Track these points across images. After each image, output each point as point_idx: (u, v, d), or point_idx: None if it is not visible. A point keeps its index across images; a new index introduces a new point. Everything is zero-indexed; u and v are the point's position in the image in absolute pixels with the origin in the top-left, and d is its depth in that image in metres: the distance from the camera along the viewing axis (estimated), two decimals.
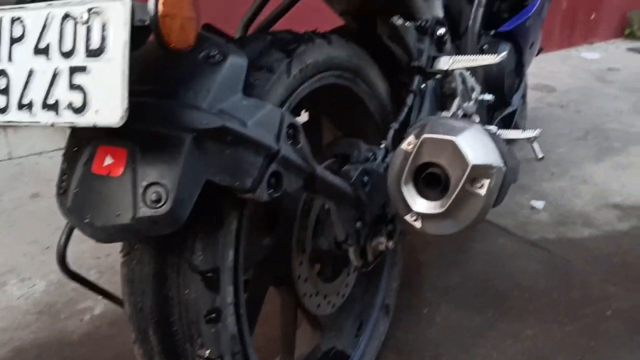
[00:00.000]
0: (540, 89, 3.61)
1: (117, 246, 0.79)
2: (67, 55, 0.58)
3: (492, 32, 1.65)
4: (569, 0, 4.73)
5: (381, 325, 1.29)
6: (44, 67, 0.59)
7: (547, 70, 4.06)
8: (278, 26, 1.18)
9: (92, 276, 1.61)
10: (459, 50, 1.48)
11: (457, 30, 1.45)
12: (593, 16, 5.06)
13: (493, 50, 1.59)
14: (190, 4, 0.59)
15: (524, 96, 1.90)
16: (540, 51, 2.56)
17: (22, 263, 1.68)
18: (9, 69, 0.61)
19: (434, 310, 1.47)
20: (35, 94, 0.59)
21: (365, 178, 0.96)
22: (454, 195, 0.81)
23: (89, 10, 0.56)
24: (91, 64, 0.56)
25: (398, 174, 0.86)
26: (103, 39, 0.56)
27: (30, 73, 0.60)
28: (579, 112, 3.13)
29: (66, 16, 0.58)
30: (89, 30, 0.56)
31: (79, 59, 0.57)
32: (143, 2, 0.56)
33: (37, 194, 2.10)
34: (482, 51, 1.59)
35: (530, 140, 1.35)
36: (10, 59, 0.61)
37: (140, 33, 0.56)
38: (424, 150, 0.83)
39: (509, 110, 1.68)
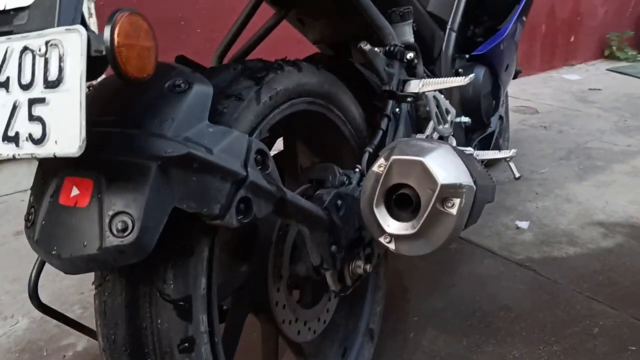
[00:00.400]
0: (522, 111, 3.65)
1: None
2: (26, 87, 0.58)
3: (467, 56, 1.68)
4: (548, 24, 4.82)
5: (366, 350, 1.28)
6: (4, 100, 0.59)
7: (529, 93, 4.12)
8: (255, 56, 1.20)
9: (75, 311, 1.59)
10: (434, 75, 1.51)
11: (430, 54, 1.47)
12: (572, 39, 5.16)
13: (467, 73, 1.62)
14: (147, 33, 0.60)
15: (501, 117, 1.92)
16: (518, 74, 2.61)
17: (4, 301, 1.65)
18: None
19: (420, 335, 1.46)
20: None
21: (339, 202, 0.96)
22: (425, 216, 0.82)
23: (47, 42, 0.57)
24: (49, 95, 0.57)
25: (370, 196, 0.86)
26: (60, 70, 0.56)
27: None
28: (562, 133, 3.17)
29: (25, 49, 0.58)
30: (46, 62, 0.57)
31: (37, 91, 0.57)
32: (100, 33, 0.57)
33: (21, 232, 2.08)
34: (457, 74, 1.61)
35: (506, 160, 1.36)
36: None
37: (98, 63, 0.57)
38: (393, 171, 0.84)
39: (487, 131, 1.70)
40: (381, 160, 0.88)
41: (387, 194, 0.85)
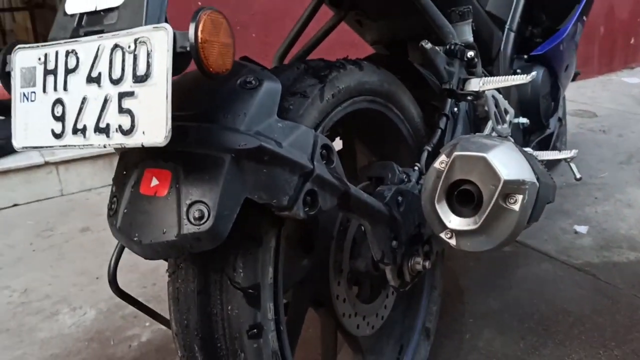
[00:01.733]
0: (580, 114, 3.56)
1: (162, 277, 0.83)
2: (116, 82, 0.63)
3: (525, 57, 1.66)
4: (606, 26, 4.69)
5: (422, 349, 1.29)
6: (95, 94, 0.64)
7: (587, 96, 4.02)
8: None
9: None
10: (492, 75, 1.50)
11: (488, 55, 1.47)
12: (632, 41, 4.99)
13: (526, 73, 1.60)
14: (226, 31, 0.63)
15: (560, 119, 1.89)
16: (577, 76, 2.55)
17: (73, 293, 1.74)
18: (65, 97, 0.66)
19: (476, 336, 1.46)
20: (88, 119, 0.64)
21: (399, 198, 0.97)
22: (487, 211, 0.82)
23: (136, 40, 0.61)
24: (138, 89, 0.61)
25: (431, 192, 0.88)
26: (148, 65, 0.60)
27: (84, 100, 0.65)
28: (621, 137, 3.08)
29: (115, 46, 0.63)
30: (135, 58, 0.61)
31: (127, 85, 0.62)
32: (185, 31, 0.61)
33: (87, 228, 2.18)
34: (515, 75, 1.60)
35: (567, 160, 1.34)
36: (65, 88, 0.67)
37: (182, 59, 0.61)
38: (456, 167, 0.85)
39: (546, 133, 1.68)
40: (443, 157, 0.89)
41: (448, 190, 0.87)
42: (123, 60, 0.62)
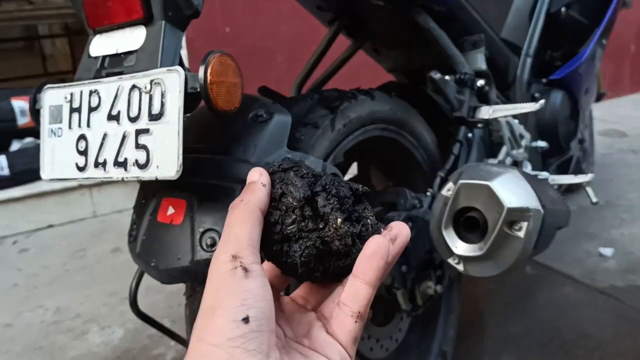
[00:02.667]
0: (610, 134, 3.52)
1: None
2: (134, 119, 0.68)
3: (544, 81, 1.68)
4: (637, 44, 4.63)
5: None
6: (115, 131, 0.69)
7: (617, 115, 3.97)
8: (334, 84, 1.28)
9: (165, 324, 1.71)
10: (509, 100, 1.52)
11: (505, 80, 1.49)
12: None
13: (544, 98, 1.62)
14: (234, 71, 0.68)
15: (581, 141, 1.89)
16: (602, 96, 2.55)
17: (102, 313, 1.80)
18: (88, 133, 0.72)
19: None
20: (108, 154, 0.70)
21: (410, 224, 1.00)
22: (492, 238, 0.85)
23: (151, 81, 0.67)
24: (153, 126, 0.66)
25: (439, 218, 0.91)
26: (162, 104, 0.65)
27: (104, 136, 0.70)
28: None
29: (133, 87, 0.68)
30: (151, 98, 0.67)
31: (143, 123, 0.67)
32: (195, 73, 0.66)
33: (118, 249, 2.26)
34: (533, 99, 1.62)
35: (583, 185, 1.35)
36: (88, 125, 0.72)
37: (193, 98, 0.66)
38: (461, 195, 0.88)
39: (566, 156, 1.68)
40: (449, 184, 0.92)
41: (455, 217, 0.89)
42: (140, 100, 0.68)
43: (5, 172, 2.28)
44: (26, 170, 2.35)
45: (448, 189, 0.91)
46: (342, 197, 0.45)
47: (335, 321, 0.45)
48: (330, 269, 0.45)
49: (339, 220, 0.43)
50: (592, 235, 2.12)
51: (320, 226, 0.43)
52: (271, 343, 0.39)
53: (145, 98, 0.67)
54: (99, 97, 0.71)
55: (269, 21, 2.96)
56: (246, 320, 0.37)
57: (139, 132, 0.67)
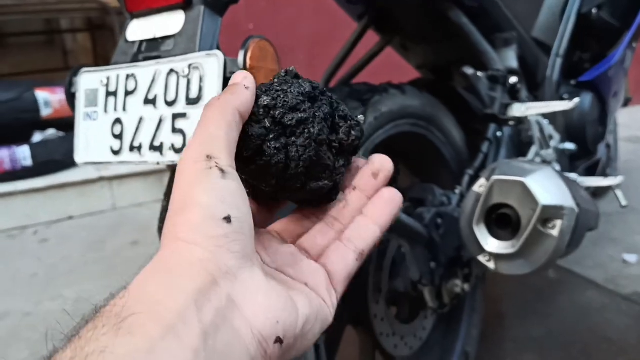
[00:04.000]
0: (634, 141, 3.47)
1: None
2: (171, 104, 0.67)
3: (573, 82, 1.65)
4: None
5: None
6: (151, 115, 0.69)
7: None
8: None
9: None
10: (538, 100, 1.50)
11: (534, 80, 1.47)
12: None
13: (573, 99, 1.59)
14: (273, 57, 0.67)
15: (608, 146, 1.86)
16: (628, 101, 2.51)
17: None
18: (123, 117, 0.72)
19: None
20: (144, 138, 0.69)
21: (439, 220, 0.99)
22: (525, 236, 0.83)
23: (190, 65, 0.66)
24: (190, 110, 0.66)
25: (470, 215, 0.89)
26: (200, 89, 0.65)
27: (140, 120, 0.70)
28: None
29: (171, 71, 0.68)
30: (189, 82, 0.66)
31: (180, 107, 0.67)
32: (234, 58, 0.66)
33: (137, 242, 2.26)
34: (561, 100, 1.59)
35: (613, 187, 1.33)
36: (124, 109, 0.72)
37: None
38: (494, 191, 0.86)
39: (593, 159, 1.66)
40: (482, 181, 0.90)
41: (487, 214, 0.88)
42: (177, 84, 0.67)
43: (28, 162, 2.29)
44: (48, 161, 2.37)
45: (480, 185, 0.90)
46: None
47: (334, 254, 0.43)
48: (311, 183, 0.42)
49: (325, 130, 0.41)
50: (616, 241, 2.09)
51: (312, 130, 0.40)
52: (253, 251, 0.35)
53: (183, 82, 0.67)
54: (136, 81, 0.71)
55: (292, 18, 2.95)
56: (228, 219, 0.33)
57: (175, 117, 0.67)
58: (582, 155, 1.64)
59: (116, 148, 0.72)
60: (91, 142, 0.74)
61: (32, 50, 5.25)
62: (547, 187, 0.83)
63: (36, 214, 2.36)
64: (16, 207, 2.34)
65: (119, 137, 0.72)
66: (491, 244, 0.87)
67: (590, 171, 1.68)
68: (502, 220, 0.87)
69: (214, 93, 0.64)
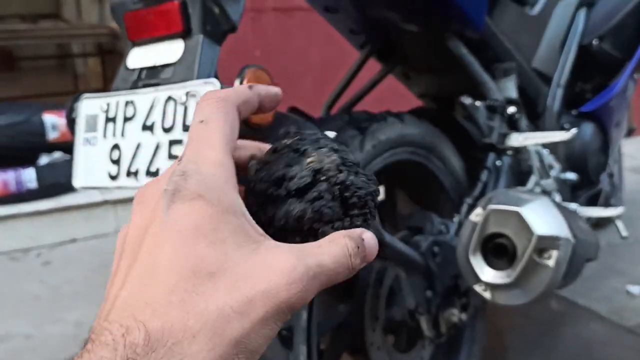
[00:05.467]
0: (639, 171, 3.46)
1: None
2: (168, 130, 0.69)
3: (574, 112, 1.66)
4: None
5: None
6: (149, 141, 0.70)
7: None
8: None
9: None
10: (538, 130, 1.50)
11: (535, 110, 1.48)
12: None
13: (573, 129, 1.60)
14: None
15: (611, 175, 1.86)
16: (632, 131, 2.51)
17: None
18: (121, 143, 0.73)
19: None
20: (141, 164, 0.70)
21: (436, 249, 0.99)
22: (521, 266, 0.83)
23: (187, 93, 0.67)
24: (186, 137, 0.67)
25: (466, 244, 0.89)
26: None
27: (138, 146, 0.71)
28: None
29: (169, 98, 0.69)
30: (186, 109, 0.67)
31: (177, 133, 0.68)
32: (231, 86, 0.67)
33: None
34: (562, 130, 1.60)
35: (614, 218, 1.32)
36: (123, 134, 0.73)
37: None
38: (490, 221, 0.86)
39: (595, 190, 1.65)
40: (479, 210, 0.91)
41: (483, 243, 0.88)
42: (175, 111, 0.68)
43: (34, 184, 2.31)
44: (54, 184, 2.38)
45: (477, 214, 0.90)
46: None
47: None
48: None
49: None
50: (621, 272, 2.07)
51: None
52: None
53: (180, 109, 0.68)
54: (135, 108, 0.72)
55: (300, 45, 2.99)
56: None
57: (172, 143, 0.68)
58: (584, 185, 1.64)
59: (114, 173, 0.73)
60: (89, 167, 0.75)
61: (44, 74, 5.33)
62: (542, 217, 0.84)
63: (40, 236, 2.37)
64: (20, 229, 2.35)
65: (116, 162, 0.73)
66: (487, 274, 0.87)
67: (592, 201, 1.68)
68: (498, 250, 0.87)
69: None
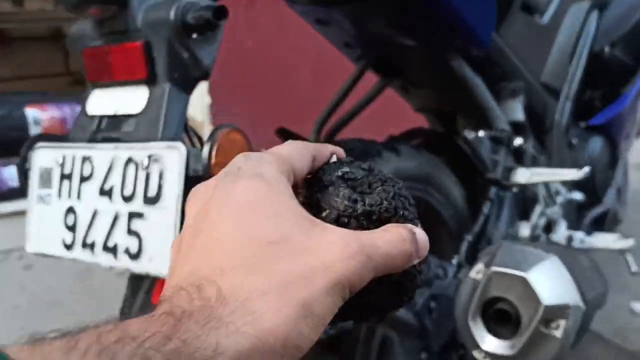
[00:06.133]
0: None
1: None
2: (128, 199, 0.60)
3: (583, 124, 1.57)
4: None
5: None
6: (106, 209, 0.61)
7: None
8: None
9: None
10: (544, 146, 1.41)
11: (542, 126, 1.38)
12: None
13: (582, 145, 1.51)
14: (243, 149, 0.59)
15: (619, 191, 1.77)
16: None
17: None
18: (77, 206, 0.64)
19: None
20: (98, 235, 0.62)
21: (432, 304, 0.91)
22: (526, 337, 0.75)
23: (149, 156, 0.58)
24: (147, 210, 0.58)
25: (465, 305, 0.81)
26: (159, 187, 0.57)
27: (95, 213, 0.62)
28: None
29: (129, 160, 0.60)
30: (148, 176, 0.58)
31: (137, 205, 0.59)
32: (199, 150, 0.58)
33: (123, 273, 2.19)
34: (570, 146, 1.51)
35: (622, 251, 1.25)
36: (79, 196, 0.64)
37: (194, 181, 0.57)
38: (492, 284, 0.78)
39: (602, 209, 1.57)
40: (480, 266, 0.82)
41: (484, 307, 0.80)
42: (135, 177, 0.60)
43: (15, 183, 2.22)
44: None
45: (477, 271, 0.82)
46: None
47: None
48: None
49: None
50: (624, 286, 1.98)
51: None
52: None
53: (142, 175, 0.59)
54: (92, 166, 0.64)
55: (296, 35, 2.87)
56: None
57: (132, 215, 0.59)
58: (590, 204, 1.55)
59: (68, 241, 0.64)
60: (43, 229, 0.67)
61: (34, 53, 5.19)
62: (551, 282, 0.75)
63: (23, 238, 2.29)
64: (1, 229, 2.27)
65: (72, 229, 0.64)
66: (488, 343, 0.79)
67: (598, 221, 1.59)
68: (500, 316, 0.79)
69: (174, 195, 0.56)
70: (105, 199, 0.61)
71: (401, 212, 0.36)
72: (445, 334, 0.92)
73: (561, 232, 1.20)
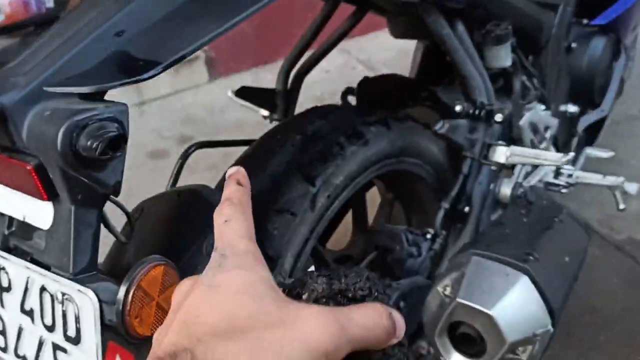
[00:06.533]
0: None
1: None
2: (49, 329, 0.56)
3: (585, 22, 1.41)
4: None
5: None
6: (31, 329, 0.58)
7: None
8: None
9: None
10: (539, 61, 1.28)
11: (537, 44, 1.24)
12: None
13: (583, 49, 1.37)
14: (174, 284, 0.53)
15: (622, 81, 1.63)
16: None
17: None
18: (3, 315, 0.60)
19: None
20: (28, 351, 0.59)
21: (402, 303, 0.89)
22: None
23: (63, 294, 0.53)
24: (70, 347, 0.54)
25: (433, 320, 0.79)
26: (78, 330, 0.53)
27: (20, 329, 0.59)
28: None
29: (43, 289, 0.55)
30: (64, 314, 0.53)
31: (59, 338, 0.55)
32: (113, 297, 0.52)
33: None
34: (569, 50, 1.37)
35: (612, 188, 1.20)
36: (2, 305, 0.60)
37: (113, 329, 0.52)
38: (458, 311, 0.76)
39: (597, 116, 1.47)
40: (447, 280, 0.79)
41: (450, 327, 0.78)
42: (53, 308, 0.55)
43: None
44: None
45: (445, 285, 0.79)
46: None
47: None
48: None
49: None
50: (618, 163, 1.90)
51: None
52: None
53: (59, 308, 0.54)
54: (9, 279, 0.58)
55: None
56: None
57: (56, 347, 0.55)
58: (585, 110, 1.46)
59: (1, 344, 0.61)
60: None
61: None
62: (518, 317, 0.73)
63: None
64: None
65: (2, 333, 0.61)
66: (454, 359, 0.79)
67: (593, 130, 1.51)
68: (467, 336, 0.77)
69: (92, 341, 0.52)
70: (27, 318, 0.57)
71: (376, 294, 0.39)
72: (414, 325, 0.92)
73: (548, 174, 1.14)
